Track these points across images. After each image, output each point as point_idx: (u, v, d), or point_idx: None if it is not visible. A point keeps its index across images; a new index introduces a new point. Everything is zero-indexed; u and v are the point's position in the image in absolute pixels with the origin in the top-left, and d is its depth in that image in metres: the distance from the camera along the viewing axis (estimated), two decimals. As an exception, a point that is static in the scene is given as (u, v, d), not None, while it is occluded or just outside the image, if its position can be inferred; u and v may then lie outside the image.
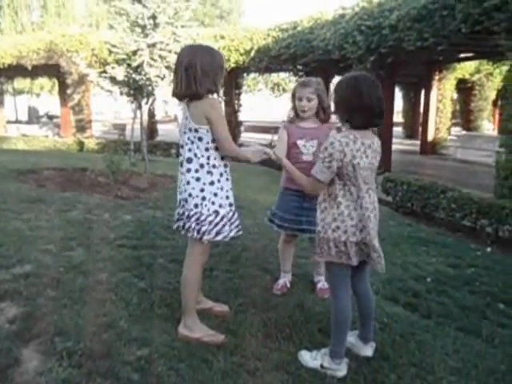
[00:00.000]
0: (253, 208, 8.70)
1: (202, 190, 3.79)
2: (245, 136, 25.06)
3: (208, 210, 3.79)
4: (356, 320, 3.98)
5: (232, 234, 3.94)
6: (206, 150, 3.77)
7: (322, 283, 5.13)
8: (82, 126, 23.22)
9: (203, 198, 3.79)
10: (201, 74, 3.64)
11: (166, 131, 27.41)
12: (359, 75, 3.53)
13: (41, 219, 6.93)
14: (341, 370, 3.58)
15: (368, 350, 3.87)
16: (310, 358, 3.70)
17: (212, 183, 3.80)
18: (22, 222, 6.70)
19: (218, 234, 3.82)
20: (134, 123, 14.00)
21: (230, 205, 3.93)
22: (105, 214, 7.60)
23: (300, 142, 4.73)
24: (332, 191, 3.48)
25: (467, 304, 5.13)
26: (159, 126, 27.30)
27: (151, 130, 24.10)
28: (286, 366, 3.62)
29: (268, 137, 23.01)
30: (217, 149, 3.79)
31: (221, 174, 3.84)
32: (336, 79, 23.16)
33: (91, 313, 4.19)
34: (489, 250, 7.43)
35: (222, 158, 3.85)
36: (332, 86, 23.27)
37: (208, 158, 3.78)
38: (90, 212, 7.62)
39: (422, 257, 6.72)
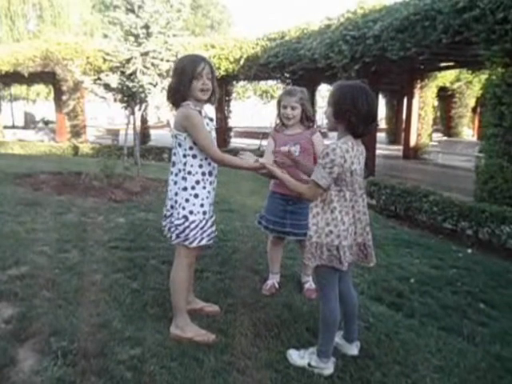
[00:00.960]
0: (242, 211, 8.68)
1: (176, 194, 3.82)
2: (234, 141, 25.07)
3: (178, 213, 3.79)
4: (340, 320, 3.96)
5: (203, 242, 3.88)
6: (184, 156, 3.78)
7: (309, 284, 5.12)
8: (76, 132, 23.16)
9: (175, 202, 3.82)
10: (174, 82, 3.78)
11: (158, 136, 27.32)
12: (364, 86, 3.47)
13: (37, 222, 6.89)
14: (328, 368, 3.57)
15: (353, 349, 3.86)
16: (298, 357, 3.69)
17: (185, 189, 3.79)
18: (18, 224, 6.66)
19: (186, 239, 3.80)
20: (127, 129, 13.98)
21: (204, 213, 3.86)
22: (99, 216, 7.56)
23: (284, 149, 4.73)
24: (326, 196, 3.44)
25: (449, 304, 5.14)
26: (152, 132, 27.21)
27: (144, 135, 23.97)
28: (274, 365, 3.60)
29: (256, 142, 23.05)
30: (194, 156, 3.78)
31: (197, 182, 3.80)
32: (323, 87, 23.21)
33: (85, 313, 4.16)
34: (469, 251, 7.45)
35: (201, 166, 3.83)
36: (318, 93, 23.30)
37: (185, 164, 3.78)
38: (85, 215, 7.58)
39: (406, 258, 6.72)
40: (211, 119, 4.00)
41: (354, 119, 3.35)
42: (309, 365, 3.60)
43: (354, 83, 3.56)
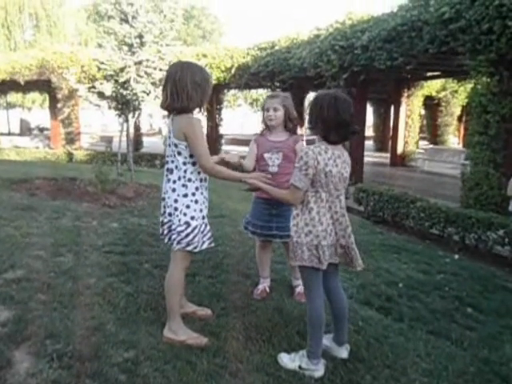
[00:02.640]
0: (233, 217, 8.66)
1: (176, 201, 3.80)
2: (225, 149, 25.08)
3: (179, 220, 3.77)
4: (330, 323, 3.95)
5: (204, 246, 3.89)
6: (184, 164, 3.76)
7: (300, 288, 5.08)
8: (71, 138, 23.08)
9: (175, 209, 3.80)
10: (191, 89, 3.65)
11: (151, 143, 27.41)
12: (336, 94, 3.54)
13: (32, 226, 6.86)
14: (318, 370, 3.57)
15: (343, 352, 3.85)
16: (289, 360, 3.68)
17: (185, 195, 3.78)
18: (14, 228, 6.63)
19: (188, 244, 3.79)
20: (121, 136, 13.97)
21: (203, 217, 3.88)
22: (93, 221, 7.53)
23: (267, 155, 4.83)
24: (304, 198, 3.53)
25: (437, 308, 5.14)
26: (144, 139, 27.26)
27: (137, 142, 23.98)
28: (266, 368, 3.59)
29: (246, 149, 23.02)
30: (194, 164, 3.78)
31: (196, 188, 3.81)
32: (311, 95, 23.22)
33: (80, 316, 4.13)
34: (456, 256, 7.46)
35: (199, 173, 3.83)
36: (307, 102, 23.31)
37: (185, 171, 3.77)
38: (79, 220, 7.55)
39: (394, 263, 6.72)
40: None
41: (322, 127, 3.52)
42: (299, 367, 3.59)
43: (324, 92, 3.66)
